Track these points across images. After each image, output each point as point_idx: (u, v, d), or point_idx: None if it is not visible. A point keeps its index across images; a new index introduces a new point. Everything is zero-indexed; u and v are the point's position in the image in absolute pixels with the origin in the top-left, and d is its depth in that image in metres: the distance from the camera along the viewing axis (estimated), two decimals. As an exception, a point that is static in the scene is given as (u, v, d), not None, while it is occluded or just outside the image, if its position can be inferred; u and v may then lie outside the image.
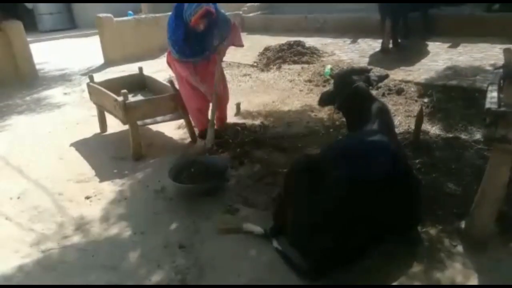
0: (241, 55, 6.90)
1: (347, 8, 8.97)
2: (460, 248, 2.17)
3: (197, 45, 3.33)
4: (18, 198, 3.11)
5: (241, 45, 3.68)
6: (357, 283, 2.00)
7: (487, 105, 1.93)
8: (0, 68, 6.61)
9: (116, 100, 3.50)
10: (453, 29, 6.65)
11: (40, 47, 9.85)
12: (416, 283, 1.98)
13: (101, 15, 7.74)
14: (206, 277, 2.15)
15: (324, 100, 2.89)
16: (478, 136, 3.34)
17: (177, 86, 3.72)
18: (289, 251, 2.17)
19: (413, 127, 3.41)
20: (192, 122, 3.82)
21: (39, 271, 2.28)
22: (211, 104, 3.60)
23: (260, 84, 5.54)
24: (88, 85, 4.21)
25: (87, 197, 3.04)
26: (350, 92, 2.66)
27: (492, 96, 2.06)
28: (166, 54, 3.66)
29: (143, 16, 8.92)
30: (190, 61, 3.39)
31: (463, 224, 2.26)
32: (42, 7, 13.54)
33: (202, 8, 3.09)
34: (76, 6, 14.22)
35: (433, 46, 6.23)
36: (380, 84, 4.77)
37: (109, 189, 3.14)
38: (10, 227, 2.74)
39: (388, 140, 2.26)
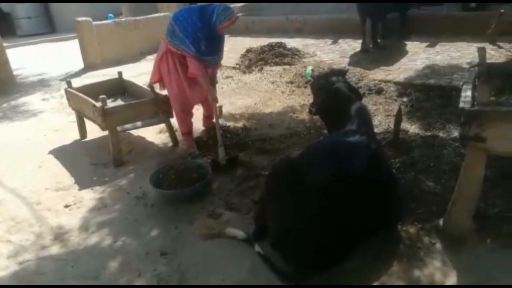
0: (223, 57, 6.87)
1: (328, 9, 9.03)
2: (439, 246, 2.20)
3: (214, 46, 3.45)
4: (-5, 208, 3.04)
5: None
6: (338, 283, 2.01)
7: (461, 105, 1.97)
8: (-25, 74, 6.46)
9: (94, 105, 3.45)
10: (431, 28, 6.77)
11: (18, 52, 9.65)
12: (397, 281, 2.00)
13: (80, 19, 7.63)
14: (188, 284, 2.13)
15: (312, 109, 2.89)
16: (455, 134, 3.39)
17: (158, 90, 3.70)
18: (272, 255, 2.16)
19: (392, 126, 3.45)
20: (176, 123, 3.79)
21: (16, 284, 2.23)
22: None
23: (242, 86, 5.53)
24: (66, 90, 4.14)
25: (66, 206, 2.98)
26: (330, 93, 2.68)
27: (466, 95, 2.10)
28: (161, 47, 3.52)
29: (123, 19, 8.81)
30: (206, 59, 3.43)
31: (441, 222, 2.29)
32: (20, 11, 13.29)
33: (235, 15, 3.33)
34: (55, 10, 14.00)
35: (412, 46, 6.32)
36: (360, 84, 4.84)
37: (89, 196, 3.09)
38: (-14, 239, 2.67)
39: (367, 140, 2.29)
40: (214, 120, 3.89)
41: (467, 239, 2.19)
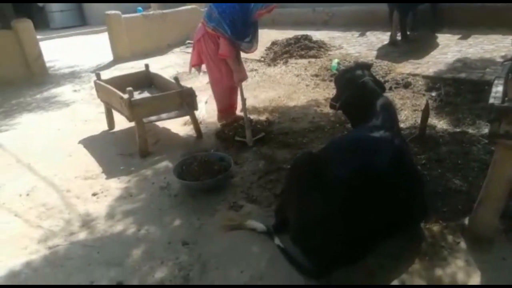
0: (248, 50, 6.88)
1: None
2: (463, 246, 2.14)
3: (250, 31, 3.60)
4: (27, 195, 3.18)
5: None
6: (359, 281, 1.99)
7: (491, 100, 1.90)
8: (11, 66, 6.74)
9: (122, 97, 3.54)
10: (464, 20, 6.52)
11: (51, 45, 9.98)
12: (418, 280, 1.97)
13: (109, 12, 7.79)
14: (209, 274, 2.17)
15: (335, 104, 2.86)
16: (486, 130, 3.27)
17: (182, 82, 3.77)
18: (291, 249, 2.17)
19: (419, 121, 3.37)
20: (200, 116, 3.96)
21: (46, 267, 2.33)
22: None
23: (266, 79, 5.53)
24: (95, 82, 4.26)
25: (94, 194, 3.09)
26: (356, 88, 2.64)
27: (497, 91, 2.02)
28: (199, 27, 3.70)
29: (151, 12, 8.94)
30: (241, 44, 3.60)
31: (466, 221, 2.23)
32: (54, 4, 13.71)
33: (273, 5, 3.47)
34: (87, 4, 14.35)
35: (443, 38, 6.12)
36: (387, 78, 4.74)
37: (116, 185, 3.18)
38: (19, 224, 2.80)
39: (391, 136, 2.25)
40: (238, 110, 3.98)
41: (494, 239, 2.13)
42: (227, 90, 3.87)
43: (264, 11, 3.42)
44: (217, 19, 3.44)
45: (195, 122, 3.88)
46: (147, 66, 4.57)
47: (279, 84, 5.26)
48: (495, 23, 6.17)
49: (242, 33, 3.54)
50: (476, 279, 1.94)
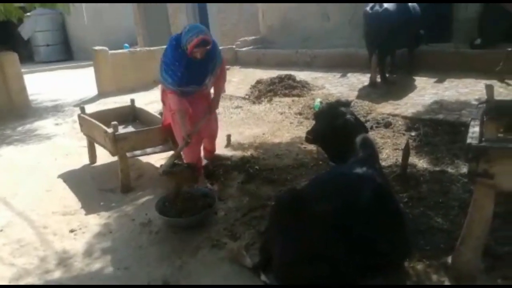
0: (233, 88, 7.02)
1: (336, 43, 9.21)
2: (447, 284, 2.14)
3: (195, 75, 3.27)
4: (1, 230, 3.06)
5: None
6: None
7: (468, 140, 1.98)
8: (-8, 98, 6.66)
9: (106, 131, 3.52)
10: (439, 64, 6.84)
11: (35, 78, 9.95)
12: (404, 321, 1.94)
13: (96, 47, 7.90)
14: (190, 315, 2.09)
15: (311, 137, 2.90)
16: (464, 169, 3.36)
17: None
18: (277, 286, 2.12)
19: (400, 160, 3.44)
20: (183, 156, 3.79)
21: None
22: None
23: (251, 116, 5.60)
24: (79, 116, 4.24)
25: (72, 231, 2.99)
26: (339, 125, 2.70)
27: (474, 131, 2.11)
28: (159, 87, 3.55)
29: (138, 49, 9.11)
30: (187, 90, 3.29)
31: (449, 260, 2.24)
32: (39, 38, 13.81)
33: (198, 36, 3.04)
34: (73, 39, 14.53)
35: (420, 81, 6.38)
36: (368, 117, 4.87)
37: (95, 222, 3.10)
38: (-9, 261, 2.67)
39: (373, 173, 2.28)
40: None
41: (476, 278, 2.14)
42: (191, 147, 3.46)
43: (191, 45, 3.04)
44: (162, 72, 3.24)
45: (179, 157, 3.85)
46: (132, 100, 4.59)
47: (264, 121, 5.33)
48: (468, 68, 6.49)
49: (188, 79, 3.20)
50: (461, 319, 1.93)
